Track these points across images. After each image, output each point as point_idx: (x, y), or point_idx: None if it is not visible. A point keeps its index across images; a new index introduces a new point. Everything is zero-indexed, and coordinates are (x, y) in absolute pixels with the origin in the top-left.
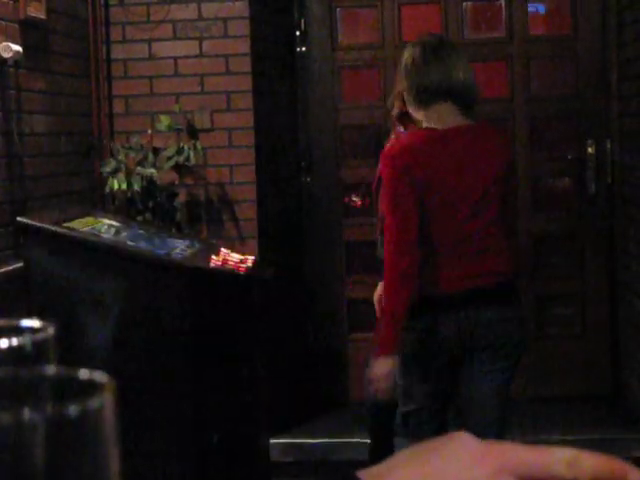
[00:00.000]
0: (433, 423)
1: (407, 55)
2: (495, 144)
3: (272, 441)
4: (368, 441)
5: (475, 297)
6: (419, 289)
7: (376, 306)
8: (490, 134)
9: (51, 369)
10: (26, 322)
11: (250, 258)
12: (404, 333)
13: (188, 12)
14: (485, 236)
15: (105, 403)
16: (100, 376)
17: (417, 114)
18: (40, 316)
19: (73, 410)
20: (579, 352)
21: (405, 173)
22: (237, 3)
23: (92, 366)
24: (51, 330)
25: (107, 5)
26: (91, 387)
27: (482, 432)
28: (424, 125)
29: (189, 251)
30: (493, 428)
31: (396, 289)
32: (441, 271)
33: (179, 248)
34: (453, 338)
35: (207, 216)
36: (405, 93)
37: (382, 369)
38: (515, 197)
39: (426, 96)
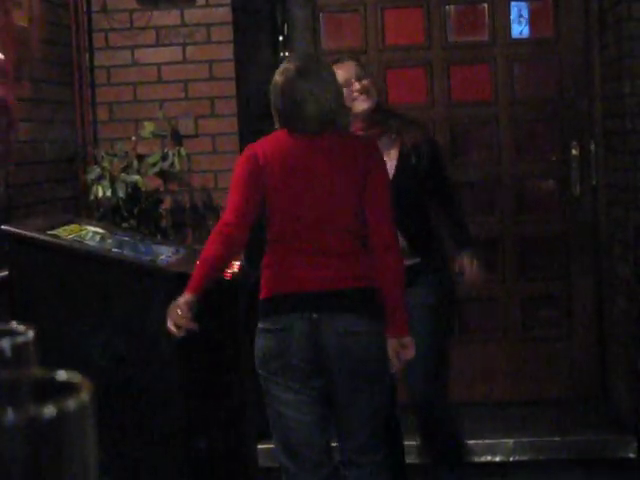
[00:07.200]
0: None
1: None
2: (351, 150)
3: (259, 446)
4: None
5: (330, 300)
6: (271, 286)
7: None
8: (347, 141)
9: (30, 372)
10: (6, 326)
11: (236, 264)
12: (257, 339)
13: (171, 18)
14: (338, 240)
15: (83, 404)
16: (77, 378)
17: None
18: (24, 324)
19: (51, 411)
20: (565, 354)
21: (252, 161)
22: (220, 9)
23: (76, 372)
24: (30, 334)
25: (89, 12)
26: (69, 389)
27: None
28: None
29: (174, 257)
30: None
31: (212, 240)
32: (293, 270)
33: (164, 254)
34: (307, 340)
35: (192, 222)
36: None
37: (180, 301)
38: (382, 207)
39: (289, 113)
